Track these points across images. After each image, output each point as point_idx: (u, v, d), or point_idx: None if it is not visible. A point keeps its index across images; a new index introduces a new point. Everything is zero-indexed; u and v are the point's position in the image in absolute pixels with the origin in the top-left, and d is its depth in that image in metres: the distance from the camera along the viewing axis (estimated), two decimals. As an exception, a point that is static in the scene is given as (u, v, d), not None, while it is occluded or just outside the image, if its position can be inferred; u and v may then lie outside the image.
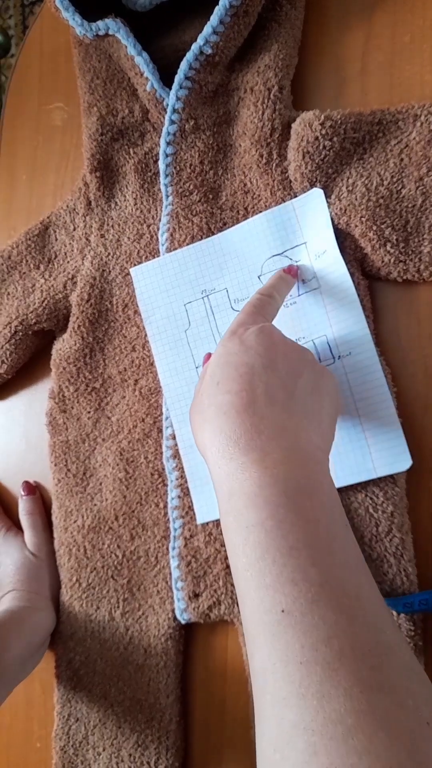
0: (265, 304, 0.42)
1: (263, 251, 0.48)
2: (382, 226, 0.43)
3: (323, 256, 0.45)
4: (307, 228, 0.46)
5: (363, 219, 0.43)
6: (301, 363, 0.39)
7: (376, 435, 0.41)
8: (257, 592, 0.31)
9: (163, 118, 0.50)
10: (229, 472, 0.34)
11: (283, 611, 0.29)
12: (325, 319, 0.45)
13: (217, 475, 0.35)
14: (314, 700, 0.27)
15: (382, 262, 0.44)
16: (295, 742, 0.26)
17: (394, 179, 0.43)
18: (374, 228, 0.43)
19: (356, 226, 0.44)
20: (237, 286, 0.49)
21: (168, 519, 0.49)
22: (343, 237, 0.45)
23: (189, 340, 0.50)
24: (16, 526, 0.57)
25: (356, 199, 0.44)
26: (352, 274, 0.45)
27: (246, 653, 0.46)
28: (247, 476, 0.33)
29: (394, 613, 0.42)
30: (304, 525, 0.32)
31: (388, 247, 0.43)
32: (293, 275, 0.45)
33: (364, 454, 0.43)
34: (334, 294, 0.45)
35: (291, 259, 0.47)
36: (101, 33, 0.49)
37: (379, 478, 0.43)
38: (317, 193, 0.45)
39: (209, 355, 0.44)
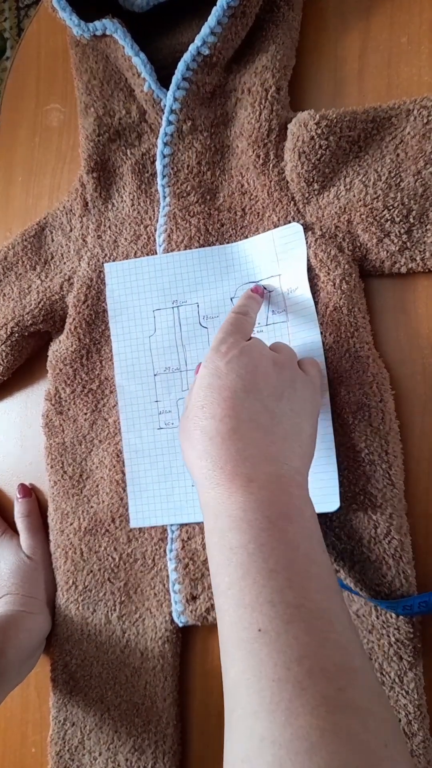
0: (243, 322, 0.43)
1: (240, 276, 0.49)
2: (382, 221, 0.43)
3: (295, 292, 0.46)
4: (283, 261, 0.47)
5: (363, 216, 0.44)
6: (282, 383, 0.40)
7: (312, 474, 0.41)
8: (236, 610, 0.32)
9: (161, 119, 0.50)
10: (215, 496, 0.36)
11: (260, 630, 0.31)
12: None
13: (203, 496, 0.37)
14: (283, 716, 0.28)
15: (387, 252, 0.44)
16: (264, 754, 0.28)
17: (392, 174, 0.43)
18: (375, 223, 0.43)
19: (357, 223, 0.44)
20: (209, 303, 0.49)
21: (165, 521, 0.49)
22: (341, 237, 0.45)
23: (151, 347, 0.50)
24: (11, 528, 0.56)
25: (354, 196, 0.44)
26: (350, 275, 0.45)
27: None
28: (232, 501, 0.35)
29: (394, 615, 0.42)
30: (284, 549, 0.33)
31: (392, 237, 0.44)
32: (260, 295, 0.47)
33: None
34: (299, 331, 0.46)
35: (265, 288, 0.48)
36: (98, 33, 0.49)
37: (377, 481, 0.43)
38: (296, 227, 0.46)
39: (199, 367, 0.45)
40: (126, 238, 0.52)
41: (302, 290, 0.46)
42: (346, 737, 0.27)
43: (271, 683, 0.29)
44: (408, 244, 0.44)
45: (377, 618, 0.42)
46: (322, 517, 0.43)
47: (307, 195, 0.46)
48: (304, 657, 0.29)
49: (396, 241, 0.44)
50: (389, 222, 0.43)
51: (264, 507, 0.34)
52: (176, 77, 0.48)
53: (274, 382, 0.39)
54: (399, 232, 0.43)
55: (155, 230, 0.51)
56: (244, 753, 0.29)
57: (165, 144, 0.50)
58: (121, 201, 0.53)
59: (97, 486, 0.52)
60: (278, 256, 0.47)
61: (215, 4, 0.45)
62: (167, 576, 0.48)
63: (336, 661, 0.30)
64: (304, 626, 0.30)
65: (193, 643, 0.50)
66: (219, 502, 0.35)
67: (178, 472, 0.49)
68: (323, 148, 0.44)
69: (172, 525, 0.48)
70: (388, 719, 0.29)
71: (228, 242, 0.49)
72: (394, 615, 0.42)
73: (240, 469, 0.35)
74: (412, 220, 0.43)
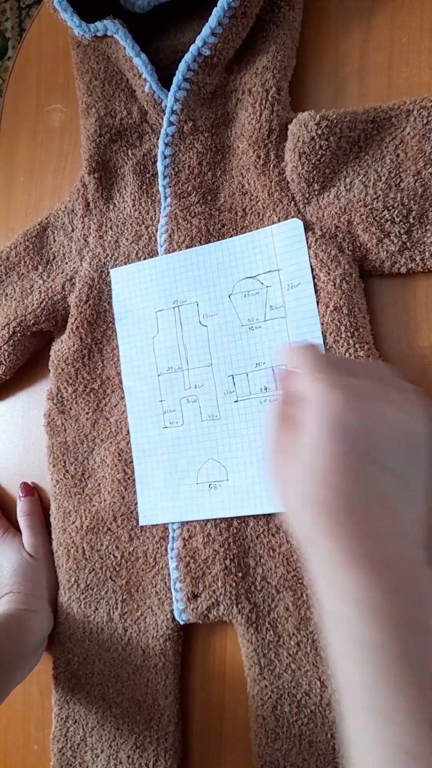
0: (325, 355, 0.38)
1: (238, 272, 0.49)
2: (382, 221, 0.43)
3: (296, 288, 0.46)
4: (282, 256, 0.47)
5: (363, 216, 0.44)
6: (413, 445, 0.33)
7: None
8: (378, 723, 0.28)
9: (162, 119, 0.50)
10: (335, 578, 0.31)
11: (406, 752, 0.26)
12: None
13: (315, 570, 0.32)
14: None
15: (387, 252, 0.44)
16: None
17: (392, 175, 0.43)
18: (375, 223, 0.43)
19: (358, 223, 0.44)
20: (207, 301, 0.49)
21: (166, 520, 0.49)
22: (341, 238, 0.45)
23: (155, 348, 0.50)
24: (14, 527, 0.57)
25: (354, 197, 0.44)
26: (350, 275, 0.45)
27: (244, 654, 0.46)
28: (356, 586, 0.29)
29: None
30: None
31: (392, 237, 0.44)
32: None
33: None
34: (299, 327, 0.46)
35: (262, 283, 0.48)
36: (100, 34, 0.49)
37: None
38: (296, 223, 0.46)
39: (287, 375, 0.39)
40: (127, 239, 0.52)
41: (305, 286, 0.46)
42: None
43: None
44: (408, 244, 0.44)
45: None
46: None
47: (307, 195, 0.46)
48: None
49: (396, 241, 0.44)
50: (389, 222, 0.43)
51: (400, 598, 0.29)
52: (177, 78, 0.48)
53: (404, 443, 0.33)
54: (399, 232, 0.43)
55: (156, 230, 0.51)
56: None
57: (166, 144, 0.50)
58: (123, 201, 0.53)
59: (99, 485, 0.52)
60: (277, 252, 0.47)
61: (216, 5, 0.45)
62: (168, 574, 0.49)
63: None
64: None
65: (195, 640, 0.50)
66: (341, 588, 0.30)
67: (182, 470, 0.49)
68: (323, 148, 0.44)
69: (173, 524, 0.49)
70: None
71: (228, 242, 0.49)
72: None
73: (362, 549, 0.30)
74: (411, 221, 0.43)
